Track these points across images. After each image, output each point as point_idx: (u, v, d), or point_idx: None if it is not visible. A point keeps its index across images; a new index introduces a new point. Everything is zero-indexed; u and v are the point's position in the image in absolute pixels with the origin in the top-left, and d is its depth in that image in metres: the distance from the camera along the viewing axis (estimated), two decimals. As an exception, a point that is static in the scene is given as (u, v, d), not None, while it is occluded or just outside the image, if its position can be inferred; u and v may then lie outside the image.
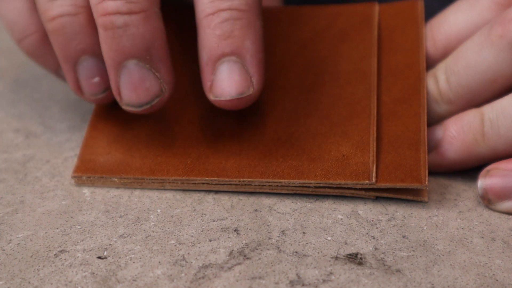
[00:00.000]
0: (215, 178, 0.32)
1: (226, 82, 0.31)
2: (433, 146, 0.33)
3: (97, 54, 0.33)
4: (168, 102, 0.34)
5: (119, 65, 0.31)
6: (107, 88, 0.33)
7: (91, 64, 0.33)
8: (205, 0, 0.32)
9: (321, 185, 0.32)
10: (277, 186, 0.32)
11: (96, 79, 0.33)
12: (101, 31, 0.31)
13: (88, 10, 0.33)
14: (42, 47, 0.36)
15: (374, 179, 0.31)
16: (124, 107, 0.32)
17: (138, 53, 0.31)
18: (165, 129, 0.35)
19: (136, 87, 0.31)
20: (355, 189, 0.32)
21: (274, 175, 0.32)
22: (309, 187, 0.32)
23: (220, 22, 0.31)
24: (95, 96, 0.34)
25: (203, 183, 0.33)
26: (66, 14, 0.32)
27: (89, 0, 0.32)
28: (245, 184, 0.32)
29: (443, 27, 0.36)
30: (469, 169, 0.34)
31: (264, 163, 0.33)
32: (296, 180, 0.32)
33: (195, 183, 0.33)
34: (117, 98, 0.32)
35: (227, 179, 0.32)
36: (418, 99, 0.34)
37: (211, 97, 0.32)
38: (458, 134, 0.32)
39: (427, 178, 0.31)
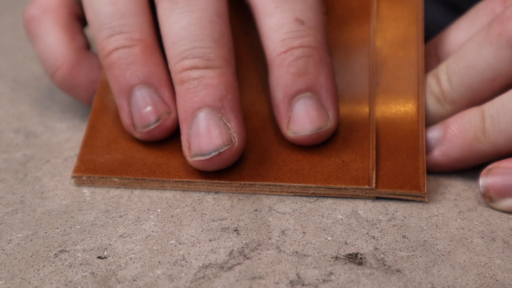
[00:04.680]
0: (216, 181, 0.32)
1: (304, 118, 0.32)
2: (435, 145, 0.33)
3: (150, 84, 0.33)
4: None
5: (191, 116, 0.31)
6: (159, 118, 0.33)
7: (144, 93, 0.33)
8: (276, 39, 0.32)
9: (322, 188, 0.32)
10: (278, 188, 0.32)
11: (149, 108, 0.33)
12: (177, 88, 0.32)
13: (144, 43, 0.33)
14: (71, 78, 0.36)
15: (374, 185, 0.31)
16: (192, 161, 0.32)
17: (211, 102, 0.31)
18: None
19: (204, 134, 0.31)
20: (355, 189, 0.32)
21: (274, 178, 0.32)
22: (309, 189, 0.32)
23: (294, 59, 0.32)
24: (147, 128, 0.33)
25: (203, 185, 0.33)
26: (121, 46, 0.33)
27: (168, 62, 0.33)
28: (246, 186, 0.32)
29: (446, 45, 0.36)
30: (469, 169, 0.34)
31: (265, 167, 0.33)
32: (296, 184, 0.32)
33: (195, 185, 0.33)
34: (186, 151, 0.32)
35: (228, 181, 0.32)
36: (417, 99, 0.34)
37: (289, 133, 0.32)
38: (459, 132, 0.33)
39: (426, 186, 0.31)
